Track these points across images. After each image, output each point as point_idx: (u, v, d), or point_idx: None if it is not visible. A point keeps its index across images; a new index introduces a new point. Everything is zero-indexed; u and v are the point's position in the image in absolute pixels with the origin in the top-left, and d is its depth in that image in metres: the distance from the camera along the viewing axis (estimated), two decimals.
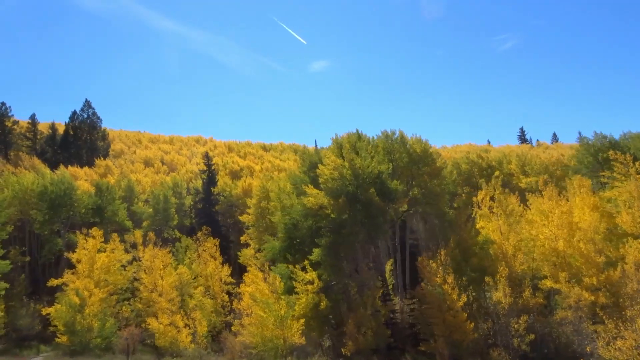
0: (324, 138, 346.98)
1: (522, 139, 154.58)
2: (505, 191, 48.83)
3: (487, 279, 36.99)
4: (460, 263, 45.15)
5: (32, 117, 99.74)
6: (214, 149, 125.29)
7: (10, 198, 60.89)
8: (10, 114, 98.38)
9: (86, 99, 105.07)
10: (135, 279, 57.75)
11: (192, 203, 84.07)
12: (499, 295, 35.78)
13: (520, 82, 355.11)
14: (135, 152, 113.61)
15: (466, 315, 35.72)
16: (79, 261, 53.42)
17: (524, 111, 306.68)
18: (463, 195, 64.78)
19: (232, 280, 61.99)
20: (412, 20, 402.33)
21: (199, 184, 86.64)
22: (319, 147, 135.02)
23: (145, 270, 56.36)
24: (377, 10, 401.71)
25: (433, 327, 36.03)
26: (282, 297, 38.88)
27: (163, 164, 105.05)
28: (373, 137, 51.86)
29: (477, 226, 48.89)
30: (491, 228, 47.16)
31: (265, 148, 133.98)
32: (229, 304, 56.75)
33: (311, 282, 40.68)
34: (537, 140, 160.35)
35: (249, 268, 69.14)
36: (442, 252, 39.22)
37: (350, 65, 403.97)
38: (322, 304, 39.74)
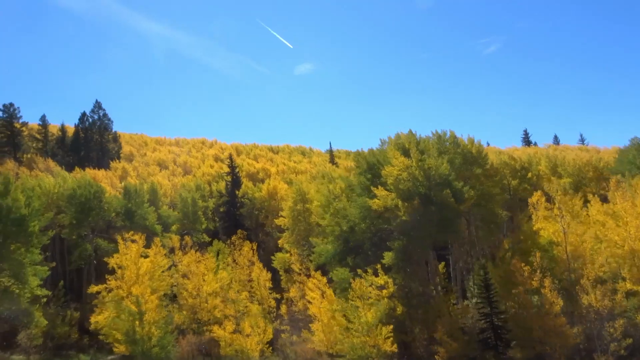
0: (320, 139, 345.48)
1: (526, 141, 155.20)
2: (569, 192, 48.14)
3: (582, 282, 36.04)
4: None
5: (43, 118, 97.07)
6: (222, 152, 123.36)
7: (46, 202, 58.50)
8: (18, 115, 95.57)
9: (96, 100, 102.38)
10: (173, 285, 56.07)
11: (214, 206, 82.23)
12: (590, 298, 34.94)
13: (508, 84, 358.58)
14: (145, 154, 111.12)
15: (565, 319, 34.84)
16: (119, 267, 51.59)
17: (514, 113, 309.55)
18: (496, 197, 64.22)
19: (270, 284, 60.49)
20: (398, 24, 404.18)
21: (220, 186, 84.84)
22: (334, 149, 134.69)
23: (187, 276, 54.74)
24: (361, 14, 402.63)
25: (533, 332, 35.05)
26: (368, 303, 37.48)
27: (177, 166, 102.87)
28: (428, 137, 50.97)
29: (534, 227, 48.18)
30: (552, 229, 46.43)
31: (273, 150, 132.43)
32: (275, 309, 55.25)
33: (383, 287, 39.47)
34: (535, 142, 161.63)
35: (281, 272, 68.09)
36: (537, 255, 38.18)
37: (336, 67, 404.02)
38: (397, 309, 38.51)
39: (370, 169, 47.91)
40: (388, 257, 40.18)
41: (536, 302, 40.19)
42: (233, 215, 79.06)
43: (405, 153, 44.27)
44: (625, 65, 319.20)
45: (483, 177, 50.10)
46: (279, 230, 72.53)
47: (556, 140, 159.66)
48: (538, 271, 36.98)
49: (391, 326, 35.94)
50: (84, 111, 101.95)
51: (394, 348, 35.28)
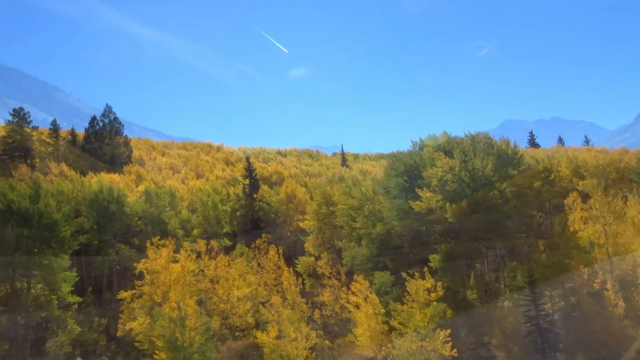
0: (318, 141, 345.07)
1: (532, 142, 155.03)
2: (610, 192, 47.84)
3: None
4: (551, 266, 44.04)
5: (54, 122, 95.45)
6: (231, 155, 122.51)
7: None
8: (29, 120, 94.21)
9: (107, 104, 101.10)
10: (201, 290, 55.33)
11: (231, 210, 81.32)
12: None
13: (505, 85, 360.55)
14: (155, 158, 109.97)
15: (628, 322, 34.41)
16: (148, 272, 50.93)
17: (513, 114, 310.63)
18: (531, 198, 63.71)
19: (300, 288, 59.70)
20: (390, 29, 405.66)
21: (237, 189, 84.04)
22: (344, 151, 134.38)
23: (216, 280, 54.12)
24: (353, 19, 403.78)
25: (597, 335, 34.55)
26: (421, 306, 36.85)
27: (189, 170, 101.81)
28: (461, 138, 50.54)
29: (571, 229, 47.80)
30: (591, 230, 46.06)
31: (281, 153, 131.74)
32: (305, 314, 54.44)
33: (431, 290, 38.85)
34: (538, 144, 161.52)
35: (304, 276, 67.22)
36: (597, 256, 37.76)
37: (331, 71, 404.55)
38: (447, 312, 37.89)
39: (407, 171, 47.36)
40: (434, 260, 39.66)
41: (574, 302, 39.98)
42: (251, 219, 78.33)
43: (447, 154, 43.82)
44: (625, 65, 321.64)
45: (519, 178, 49.63)
46: (299, 234, 71.95)
47: (561, 142, 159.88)
48: (600, 273, 36.59)
49: (449, 330, 35.32)
50: (94, 115, 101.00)
51: (454, 352, 34.59)
